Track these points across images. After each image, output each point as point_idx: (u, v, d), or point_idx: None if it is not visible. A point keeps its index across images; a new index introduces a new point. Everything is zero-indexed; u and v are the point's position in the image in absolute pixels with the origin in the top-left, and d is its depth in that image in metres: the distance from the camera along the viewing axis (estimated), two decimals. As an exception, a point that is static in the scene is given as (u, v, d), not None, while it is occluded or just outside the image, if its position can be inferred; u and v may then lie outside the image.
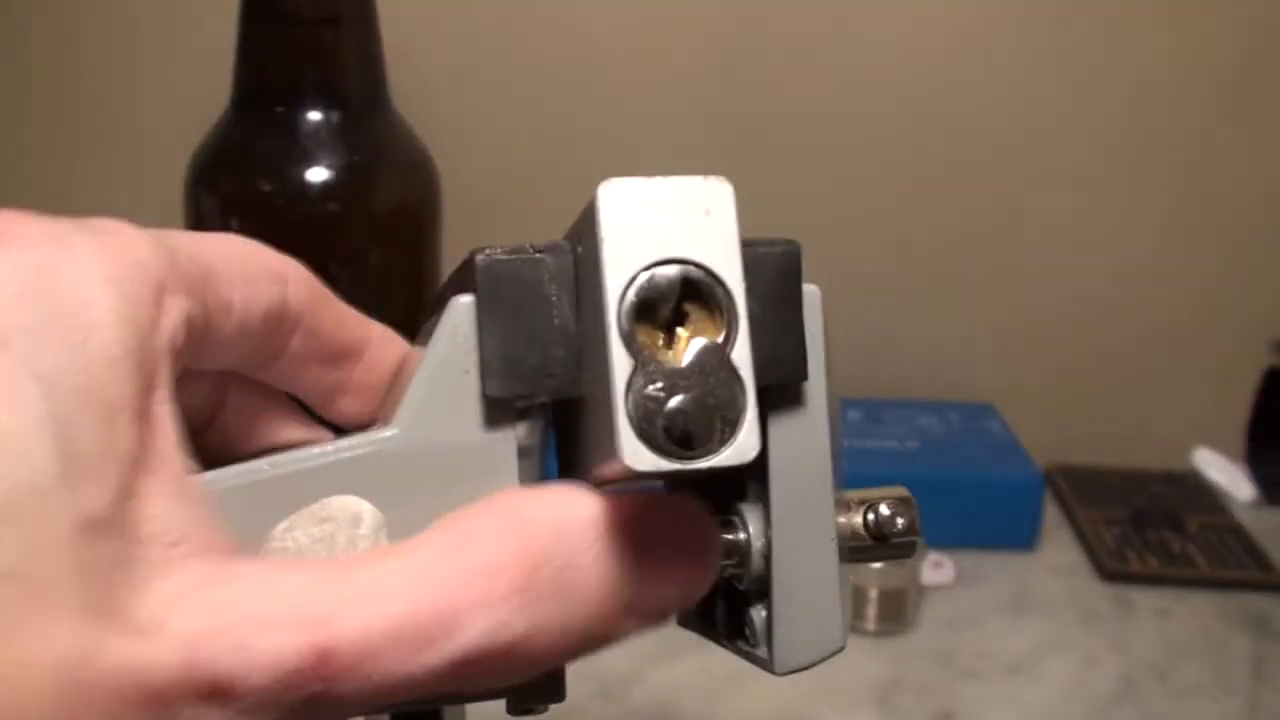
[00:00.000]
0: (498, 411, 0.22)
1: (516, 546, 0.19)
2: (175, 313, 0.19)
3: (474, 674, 0.18)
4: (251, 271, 0.22)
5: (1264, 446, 0.72)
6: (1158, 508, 0.67)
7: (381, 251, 0.51)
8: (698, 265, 0.21)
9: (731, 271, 0.21)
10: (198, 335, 0.20)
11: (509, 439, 0.22)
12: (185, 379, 0.20)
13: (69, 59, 0.68)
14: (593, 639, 0.20)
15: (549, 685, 0.24)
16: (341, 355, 0.25)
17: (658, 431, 0.20)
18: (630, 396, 0.20)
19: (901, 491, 0.26)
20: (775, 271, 0.22)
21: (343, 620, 0.17)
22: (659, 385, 0.20)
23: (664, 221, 0.21)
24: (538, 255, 0.22)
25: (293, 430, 0.26)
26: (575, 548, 0.19)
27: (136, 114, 0.69)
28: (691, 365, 0.21)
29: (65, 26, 0.68)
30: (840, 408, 0.26)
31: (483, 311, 0.21)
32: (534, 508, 0.20)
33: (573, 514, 0.20)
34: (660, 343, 0.21)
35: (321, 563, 0.20)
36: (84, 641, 0.15)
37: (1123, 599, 0.59)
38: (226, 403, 0.25)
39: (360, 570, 0.18)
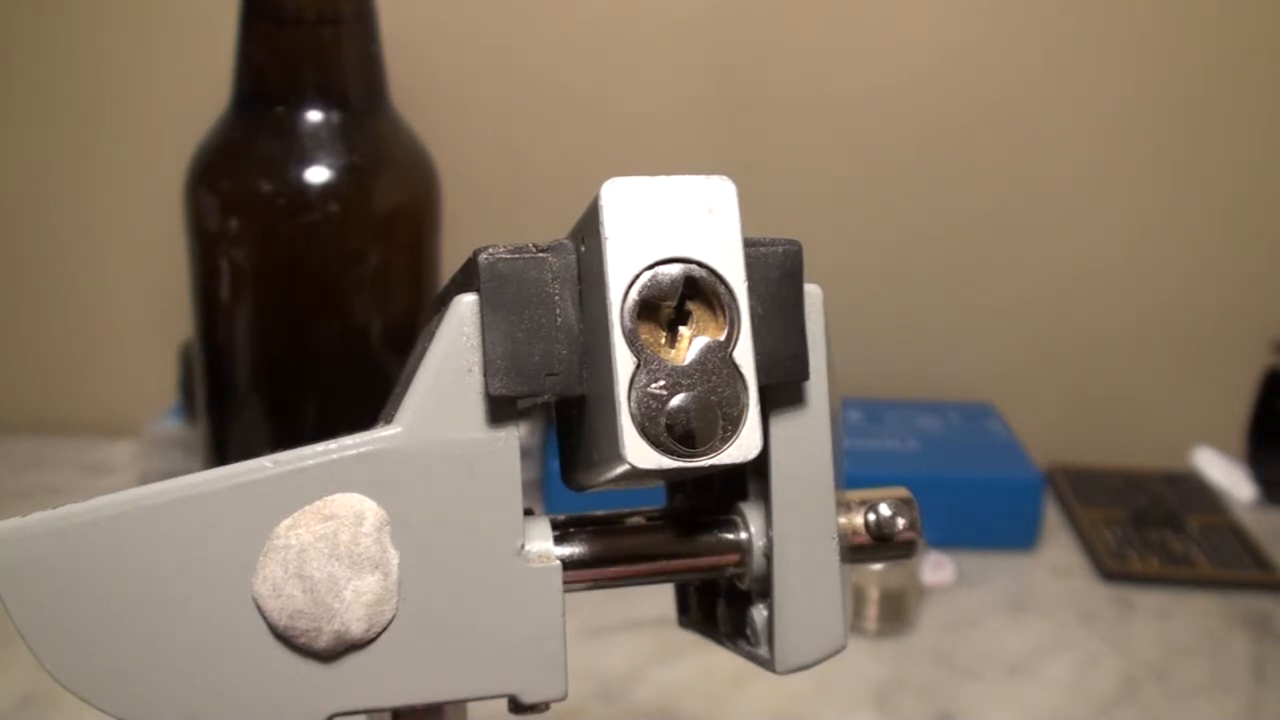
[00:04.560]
0: (500, 410, 0.22)
1: None
2: None
3: None
4: None
5: (1264, 446, 0.72)
6: (1158, 508, 0.67)
7: (381, 251, 0.51)
8: (700, 264, 0.21)
9: (734, 270, 0.21)
10: None
11: (511, 437, 0.22)
12: None
13: (68, 58, 0.68)
14: None
15: None
16: None
17: (660, 429, 0.20)
18: (633, 394, 0.20)
19: (902, 492, 0.26)
20: (777, 271, 0.22)
21: None
22: (661, 383, 0.20)
23: (667, 220, 0.21)
24: (541, 254, 0.22)
25: None
26: None
27: (136, 114, 0.69)
28: (694, 363, 0.21)
29: (64, 26, 0.68)
30: (841, 407, 0.26)
31: (486, 310, 0.21)
32: None
33: None
34: (663, 341, 0.21)
35: None
36: None
37: (1123, 599, 0.59)
38: None
39: None
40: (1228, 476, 0.72)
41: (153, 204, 0.66)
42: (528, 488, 0.61)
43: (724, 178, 0.21)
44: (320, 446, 0.22)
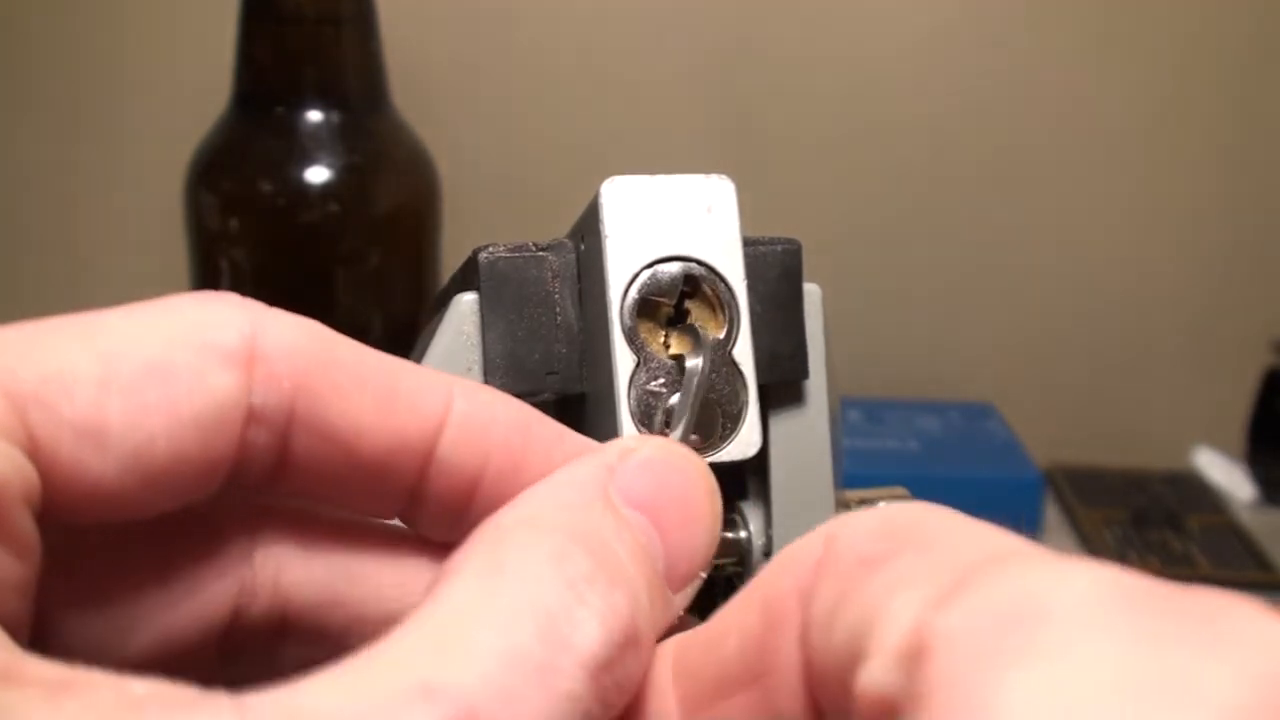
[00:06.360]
0: (500, 409, 0.22)
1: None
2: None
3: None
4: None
5: (1264, 446, 0.72)
6: (1158, 508, 0.67)
7: (381, 251, 0.51)
8: (700, 262, 0.21)
9: (733, 269, 0.21)
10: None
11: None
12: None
13: (69, 58, 0.68)
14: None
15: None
16: None
17: (660, 427, 0.20)
18: (633, 392, 0.20)
19: (901, 492, 0.26)
20: (777, 270, 0.22)
21: None
22: (661, 381, 0.20)
23: (666, 219, 0.21)
24: (541, 253, 0.22)
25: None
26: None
27: (136, 114, 0.69)
28: (694, 362, 0.21)
29: (65, 26, 0.68)
30: (840, 407, 0.26)
31: (486, 309, 0.22)
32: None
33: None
34: (662, 339, 0.21)
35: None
36: None
37: (1122, 599, 0.59)
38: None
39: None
40: (1228, 476, 0.72)
41: (153, 204, 0.66)
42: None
43: (723, 177, 0.21)
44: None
